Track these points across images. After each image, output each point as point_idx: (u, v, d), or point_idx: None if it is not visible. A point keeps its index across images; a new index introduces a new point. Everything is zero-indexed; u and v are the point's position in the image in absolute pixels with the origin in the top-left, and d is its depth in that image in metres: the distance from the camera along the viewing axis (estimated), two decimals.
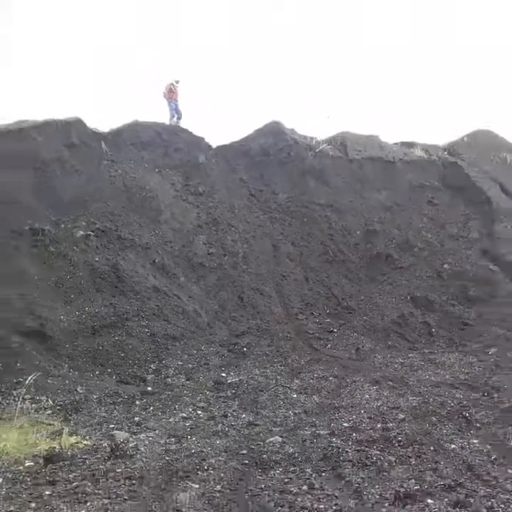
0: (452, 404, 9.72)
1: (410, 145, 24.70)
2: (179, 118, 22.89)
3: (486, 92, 69.14)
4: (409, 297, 18.54)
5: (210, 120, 50.21)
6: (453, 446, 7.56)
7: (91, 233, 17.38)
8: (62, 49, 66.23)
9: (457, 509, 5.61)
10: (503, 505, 5.69)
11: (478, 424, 8.65)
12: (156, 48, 79.21)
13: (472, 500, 5.81)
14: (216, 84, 69.77)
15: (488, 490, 6.12)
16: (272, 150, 21.55)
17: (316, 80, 71.94)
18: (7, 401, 11.05)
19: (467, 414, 9.13)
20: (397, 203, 20.88)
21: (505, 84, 73.40)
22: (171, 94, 23.03)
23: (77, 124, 19.88)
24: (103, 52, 73.61)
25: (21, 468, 6.81)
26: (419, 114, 58.57)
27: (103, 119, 36.63)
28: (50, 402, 11.34)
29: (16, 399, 10.43)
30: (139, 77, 67.46)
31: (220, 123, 48.30)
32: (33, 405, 10.71)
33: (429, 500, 5.80)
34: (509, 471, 6.75)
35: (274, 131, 22.40)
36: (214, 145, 22.13)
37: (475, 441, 7.80)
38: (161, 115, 22.93)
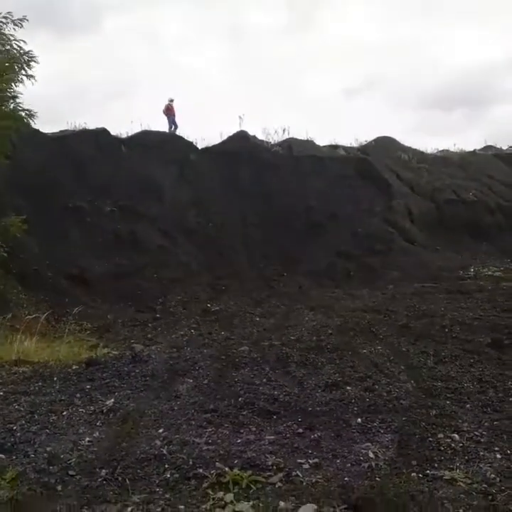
0: (364, 323, 9.84)
1: (335, 147, 24.47)
2: (176, 128, 22.37)
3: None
4: (334, 251, 18.62)
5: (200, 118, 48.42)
6: (364, 351, 7.66)
7: (115, 208, 17.14)
8: None
9: (367, 393, 5.70)
10: (397, 390, 5.80)
11: (381, 336, 8.77)
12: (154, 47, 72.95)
13: (377, 387, 5.91)
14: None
15: (388, 380, 6.22)
16: (241, 150, 21.23)
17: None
18: (59, 325, 11.00)
19: (374, 330, 9.25)
20: (326, 187, 20.79)
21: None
22: (168, 111, 22.40)
23: (103, 132, 19.43)
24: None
25: (70, 370, 6.78)
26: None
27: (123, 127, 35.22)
28: (89, 325, 11.29)
29: (66, 323, 10.36)
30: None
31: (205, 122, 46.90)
32: (77, 327, 10.66)
33: (348, 388, 5.88)
34: (401, 367, 6.87)
35: (242, 137, 22.09)
36: (200, 147, 21.75)
37: (379, 347, 7.91)
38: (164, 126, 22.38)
